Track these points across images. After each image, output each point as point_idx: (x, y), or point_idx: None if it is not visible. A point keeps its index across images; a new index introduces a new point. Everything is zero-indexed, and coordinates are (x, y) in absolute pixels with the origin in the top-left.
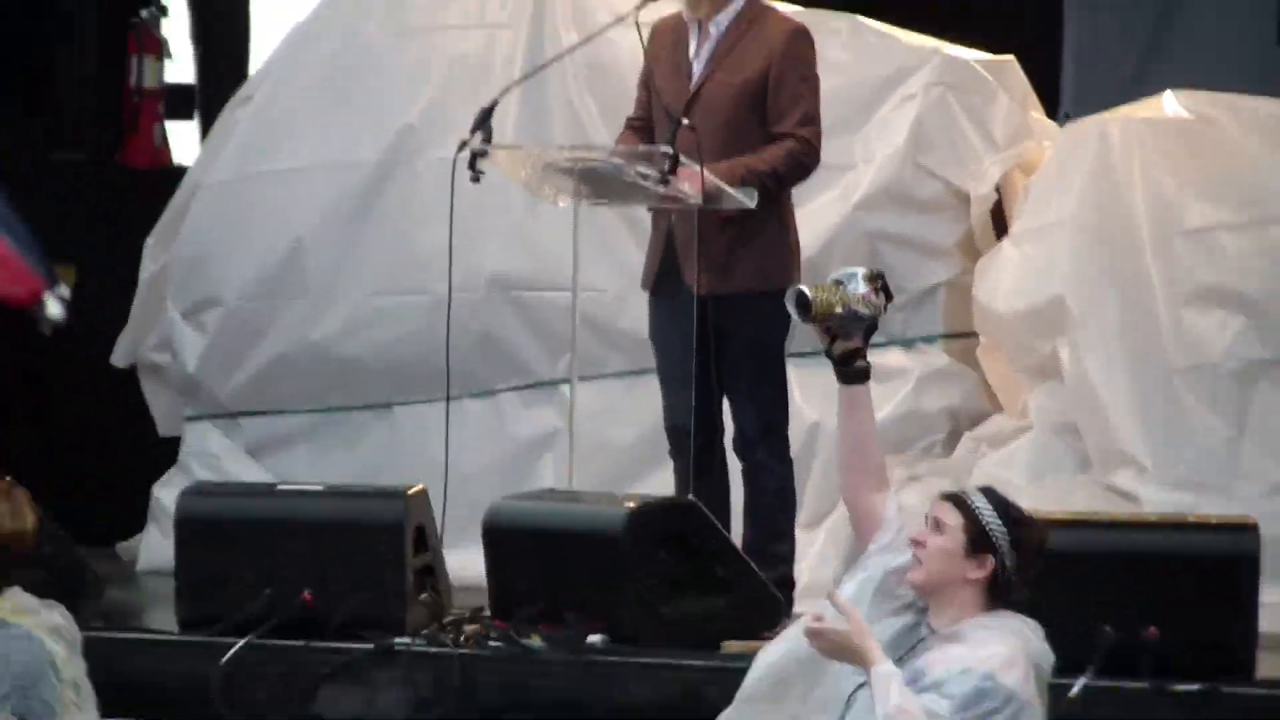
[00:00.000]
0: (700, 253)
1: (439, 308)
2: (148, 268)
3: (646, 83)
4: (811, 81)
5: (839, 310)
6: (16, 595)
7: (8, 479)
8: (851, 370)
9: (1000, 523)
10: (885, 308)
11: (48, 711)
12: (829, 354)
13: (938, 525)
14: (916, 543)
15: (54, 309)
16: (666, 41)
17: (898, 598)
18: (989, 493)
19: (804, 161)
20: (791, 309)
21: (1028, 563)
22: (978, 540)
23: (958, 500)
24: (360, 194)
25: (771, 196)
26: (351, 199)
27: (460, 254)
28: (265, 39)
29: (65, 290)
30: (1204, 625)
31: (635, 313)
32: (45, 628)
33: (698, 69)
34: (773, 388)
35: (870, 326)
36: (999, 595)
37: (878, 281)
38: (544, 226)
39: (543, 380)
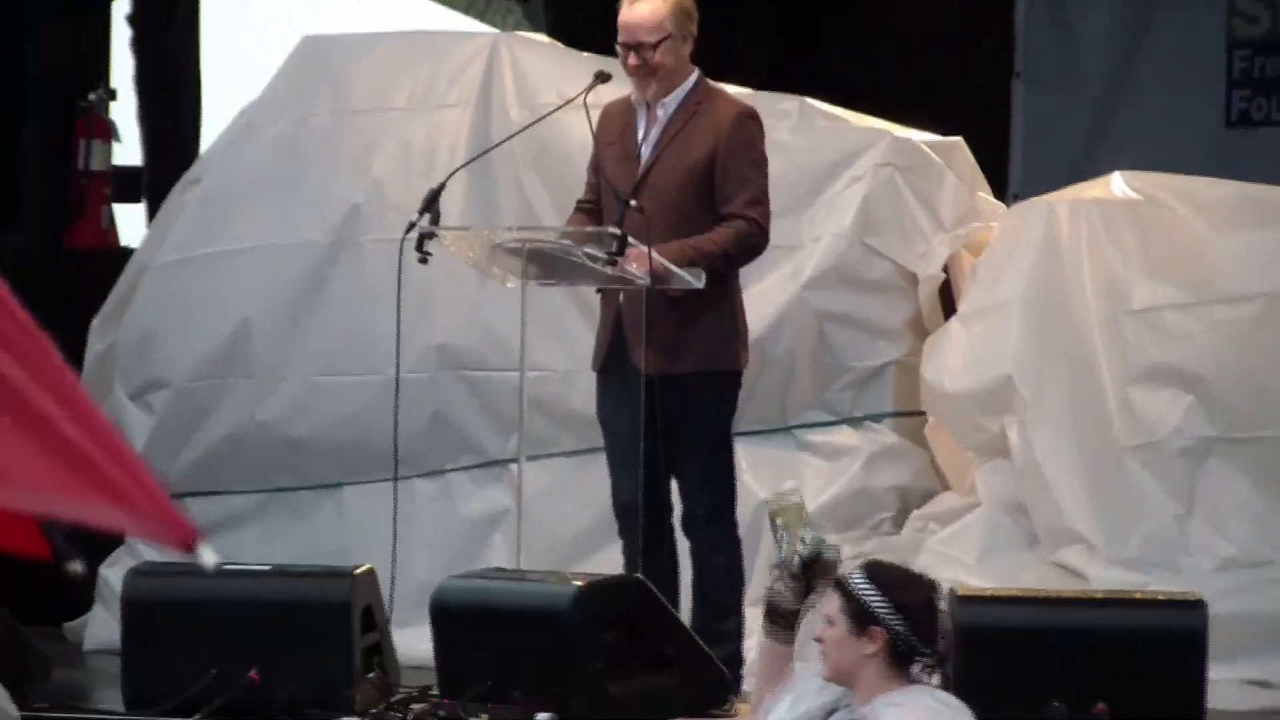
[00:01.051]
0: (648, 333)
1: (388, 387)
2: (94, 348)
3: (596, 166)
4: (759, 163)
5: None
6: None
7: None
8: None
9: (877, 593)
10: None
11: None
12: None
13: (827, 618)
14: (818, 640)
15: (208, 556)
16: (615, 124)
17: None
18: (868, 567)
19: (752, 242)
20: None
21: (923, 622)
22: (859, 617)
23: (837, 584)
24: (308, 275)
25: (720, 277)
26: (299, 280)
27: (410, 334)
28: (213, 122)
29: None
30: (1153, 701)
31: (585, 392)
32: None
33: (646, 151)
34: (720, 467)
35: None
36: (904, 664)
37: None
38: (494, 306)
39: (493, 459)
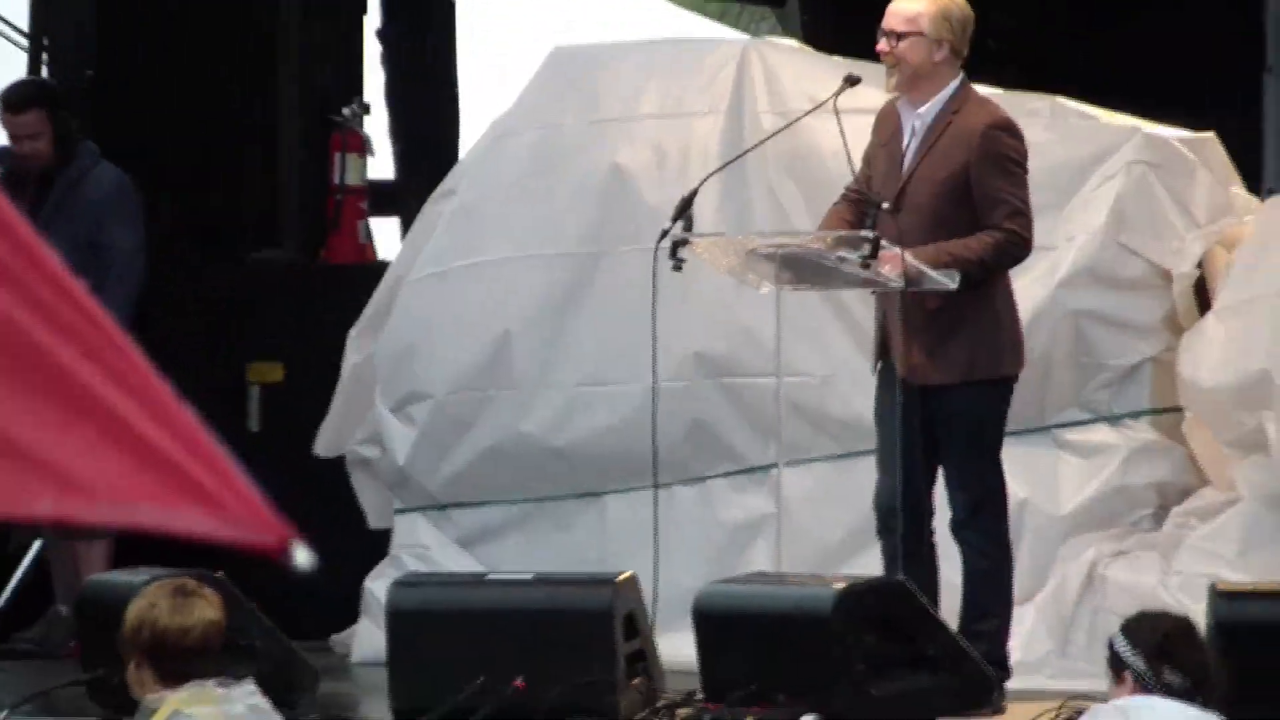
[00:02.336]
0: (912, 340)
1: (648, 396)
2: (350, 359)
3: (868, 161)
4: (1013, 174)
5: None
6: (196, 686)
7: (199, 575)
8: None
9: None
10: None
11: None
12: None
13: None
14: None
15: (303, 557)
16: (887, 126)
17: None
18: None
19: (1012, 253)
20: None
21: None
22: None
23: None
24: (566, 285)
25: (974, 284)
26: (557, 290)
27: (669, 342)
28: (468, 134)
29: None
30: None
31: (843, 396)
32: (221, 717)
33: (907, 162)
34: (982, 471)
35: None
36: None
37: None
38: (752, 312)
39: (753, 465)
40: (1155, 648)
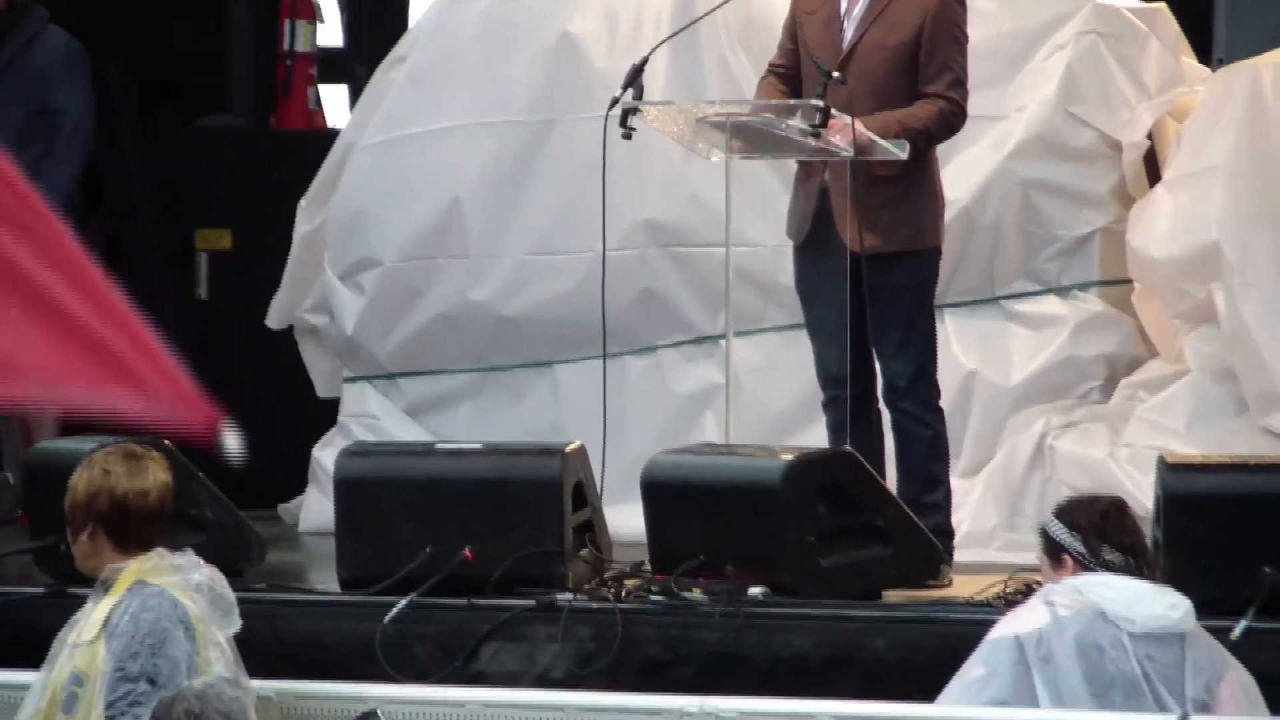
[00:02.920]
0: (855, 210)
1: (598, 264)
2: (301, 229)
3: (793, 32)
4: (962, 43)
5: None
6: (159, 555)
7: (147, 443)
8: None
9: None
10: None
11: (175, 671)
12: None
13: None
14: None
15: (232, 443)
16: None
17: None
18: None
19: (953, 122)
20: None
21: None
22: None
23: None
24: (517, 153)
25: (920, 154)
26: (508, 158)
27: (620, 210)
28: (416, 1)
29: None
30: None
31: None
32: (184, 587)
33: (849, 28)
34: (922, 339)
35: None
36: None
37: None
38: (703, 181)
39: (703, 335)
40: (1093, 528)
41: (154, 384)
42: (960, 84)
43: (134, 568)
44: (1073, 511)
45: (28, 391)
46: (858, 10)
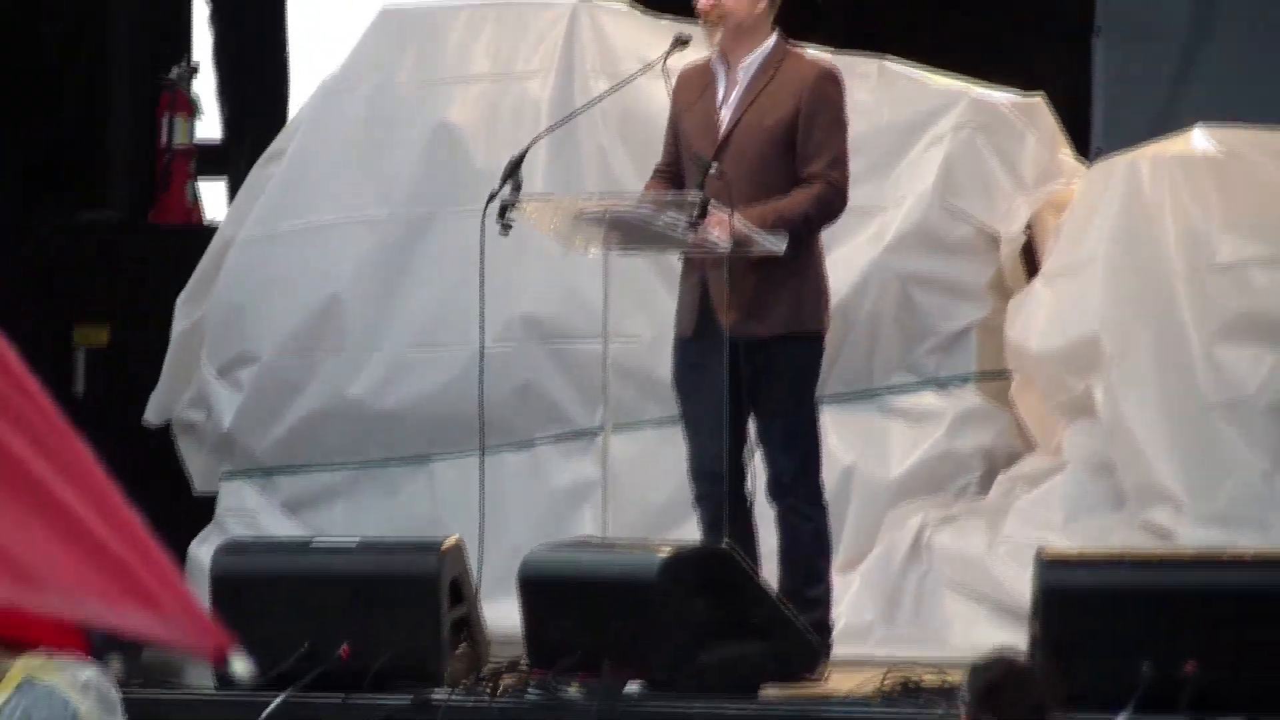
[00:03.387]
0: (734, 297)
1: (476, 358)
2: (179, 324)
3: (674, 130)
4: (840, 125)
5: None
6: (46, 653)
7: None
8: None
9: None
10: None
11: None
12: None
13: None
14: None
15: (240, 666)
16: (694, 87)
17: None
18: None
19: (833, 204)
20: None
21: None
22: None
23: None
24: (396, 247)
25: (801, 240)
26: (387, 252)
27: (499, 304)
28: (298, 96)
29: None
30: (1244, 659)
31: (670, 361)
32: (73, 685)
33: (726, 114)
34: (807, 431)
35: None
36: None
37: None
38: (581, 275)
39: (581, 430)
40: (982, 696)
41: (169, 606)
42: (839, 163)
43: (21, 665)
44: (976, 670)
45: (50, 605)
46: (734, 95)
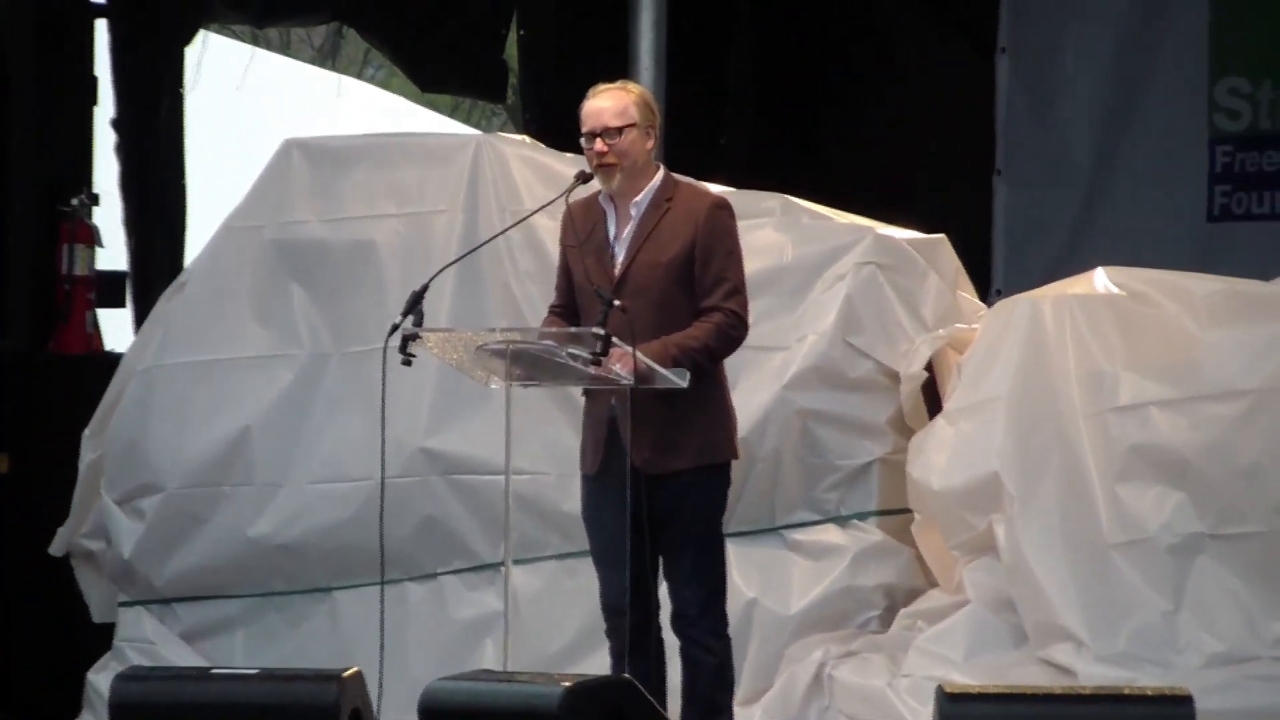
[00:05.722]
0: (640, 432)
1: (379, 492)
2: (86, 457)
3: (565, 269)
4: (735, 253)
5: None
6: None
7: None
8: None
9: None
10: None
11: None
12: None
13: None
14: None
15: None
16: (583, 224)
17: None
18: None
19: (733, 334)
20: None
21: None
22: None
23: None
24: (303, 382)
25: (704, 372)
26: (295, 387)
27: (401, 437)
28: (197, 226)
29: None
30: None
31: (575, 495)
32: None
33: (620, 251)
34: (714, 564)
35: None
36: None
37: None
38: (484, 409)
39: (484, 563)
40: None
41: None
42: (737, 292)
43: None
44: None
45: None
46: (627, 232)
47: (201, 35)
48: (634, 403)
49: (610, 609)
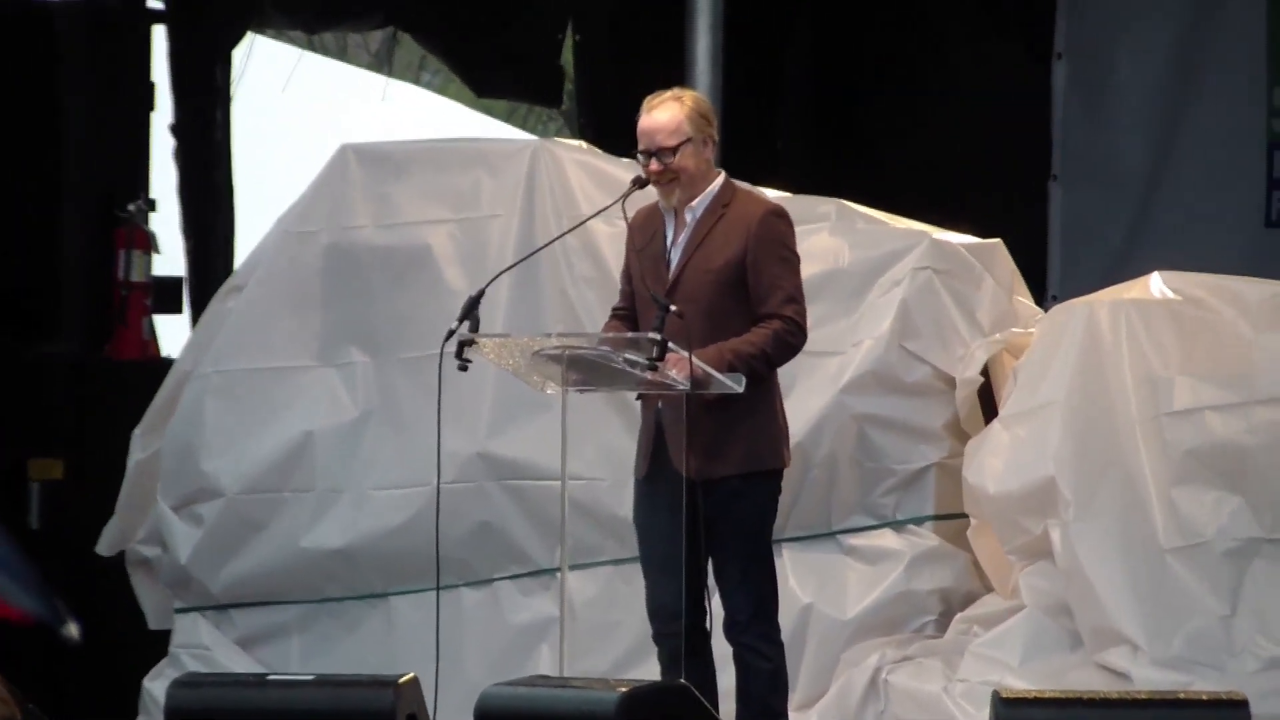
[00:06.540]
0: (689, 437)
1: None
2: (135, 456)
3: (629, 273)
4: (790, 260)
5: None
6: None
7: None
8: None
9: None
10: None
11: None
12: None
13: None
14: None
15: (71, 630)
16: (645, 230)
17: None
18: None
19: (790, 341)
20: None
21: None
22: None
23: None
24: (360, 388)
25: (760, 379)
26: (352, 393)
27: (457, 443)
28: (246, 230)
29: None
30: None
31: (630, 500)
32: None
33: (675, 256)
34: (763, 570)
35: None
36: None
37: None
38: (539, 413)
39: (540, 568)
40: None
41: None
42: (793, 300)
43: None
44: None
45: None
46: (682, 238)
47: (249, 38)
48: (686, 410)
49: (659, 615)
